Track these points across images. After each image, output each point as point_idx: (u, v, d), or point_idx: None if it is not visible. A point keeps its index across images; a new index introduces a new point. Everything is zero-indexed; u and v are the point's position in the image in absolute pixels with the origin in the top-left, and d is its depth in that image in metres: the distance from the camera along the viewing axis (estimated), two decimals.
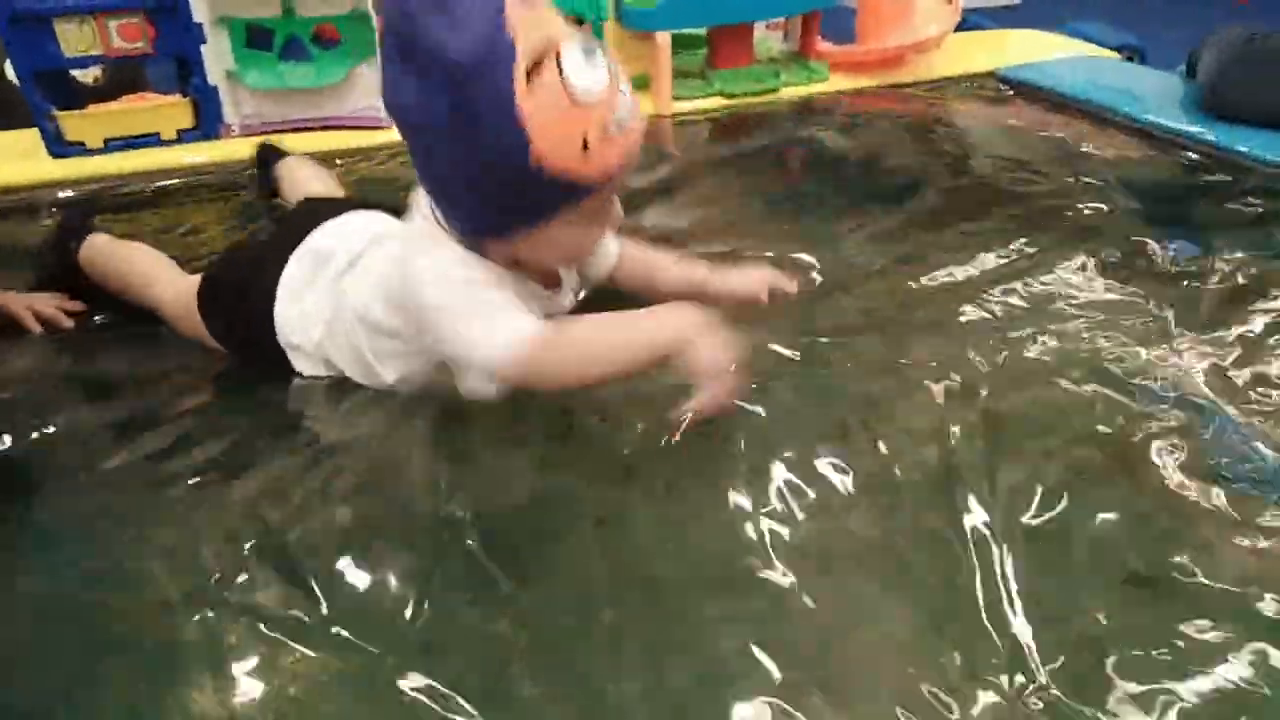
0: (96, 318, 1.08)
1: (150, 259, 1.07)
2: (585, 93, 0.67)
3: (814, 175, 1.54)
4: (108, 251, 1.08)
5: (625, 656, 0.63)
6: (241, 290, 0.93)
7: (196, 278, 0.99)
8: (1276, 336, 0.99)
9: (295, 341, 0.91)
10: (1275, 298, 1.06)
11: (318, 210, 1.00)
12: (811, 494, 0.76)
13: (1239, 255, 1.15)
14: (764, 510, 0.74)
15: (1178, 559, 0.70)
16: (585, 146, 0.69)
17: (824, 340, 0.97)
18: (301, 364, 0.92)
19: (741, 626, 0.64)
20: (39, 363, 1.00)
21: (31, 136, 1.51)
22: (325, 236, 0.94)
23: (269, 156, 1.35)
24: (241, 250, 1.08)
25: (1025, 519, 0.74)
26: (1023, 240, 1.20)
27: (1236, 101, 1.56)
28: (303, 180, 1.26)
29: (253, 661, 0.63)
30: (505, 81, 0.66)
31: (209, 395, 0.95)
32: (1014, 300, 1.06)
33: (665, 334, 0.75)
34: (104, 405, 0.93)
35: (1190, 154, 1.51)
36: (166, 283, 1.02)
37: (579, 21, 1.62)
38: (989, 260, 1.15)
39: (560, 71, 0.66)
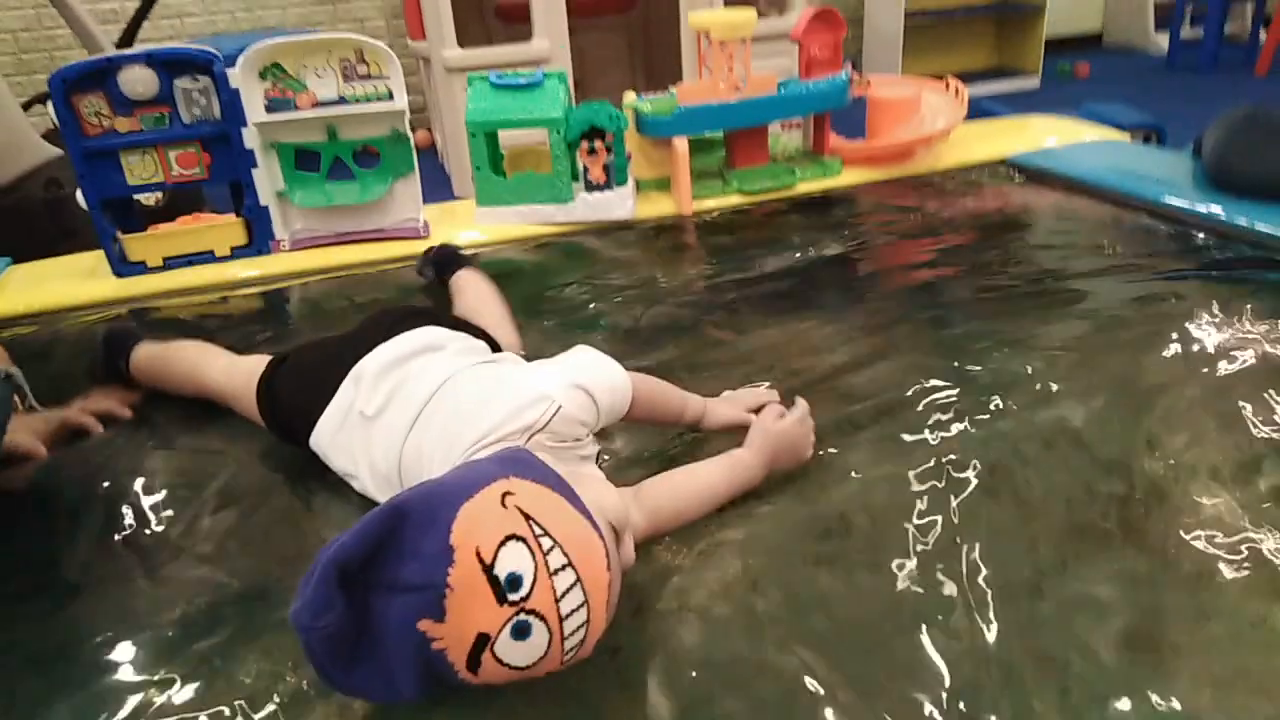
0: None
1: (197, 350, 1.18)
2: (525, 666, 0.67)
3: (816, 268, 1.58)
4: (157, 356, 1.19)
5: None
6: (293, 395, 1.03)
7: (255, 360, 1.08)
8: None
9: (331, 461, 0.99)
10: None
11: (371, 333, 1.05)
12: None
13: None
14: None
15: None
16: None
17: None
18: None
19: None
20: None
21: (96, 257, 1.64)
22: (369, 383, 0.98)
23: (449, 256, 1.50)
24: (304, 353, 1.12)
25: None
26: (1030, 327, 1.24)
27: (1239, 174, 1.60)
28: (472, 305, 1.35)
29: None
30: (444, 668, 0.66)
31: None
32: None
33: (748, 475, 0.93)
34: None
35: (1206, 234, 1.54)
36: (220, 369, 1.12)
37: (600, 134, 1.71)
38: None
39: (494, 656, 0.65)
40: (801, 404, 1.00)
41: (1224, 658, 0.73)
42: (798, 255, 1.61)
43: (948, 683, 0.71)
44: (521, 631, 0.65)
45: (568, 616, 0.66)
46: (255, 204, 1.64)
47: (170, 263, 1.64)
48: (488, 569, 0.64)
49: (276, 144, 1.64)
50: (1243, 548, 0.83)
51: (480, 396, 0.91)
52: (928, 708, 0.69)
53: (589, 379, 0.91)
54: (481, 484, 0.69)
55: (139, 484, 1.03)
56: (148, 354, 1.20)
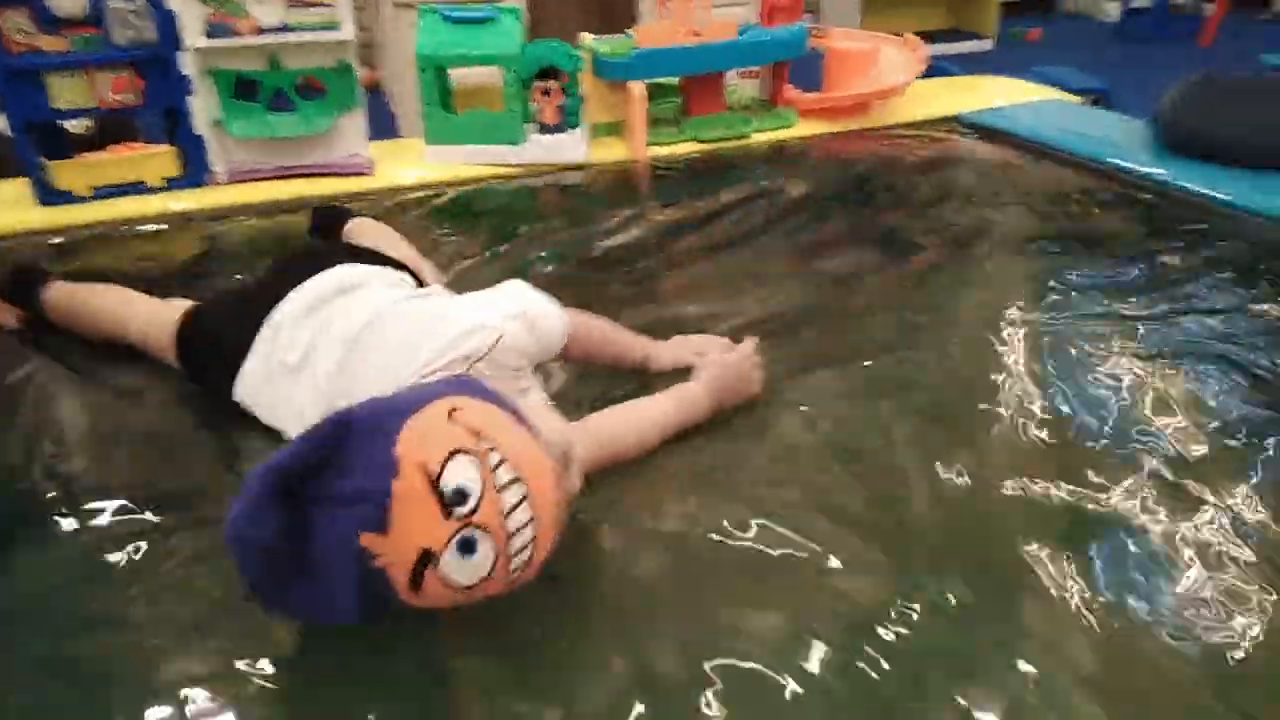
0: None
1: (118, 295, 1.12)
2: (469, 586, 0.65)
3: (775, 219, 1.58)
4: (74, 294, 1.13)
5: None
6: (212, 350, 0.99)
7: (176, 312, 1.03)
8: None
9: (256, 413, 0.96)
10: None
11: (284, 278, 1.01)
12: None
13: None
14: None
15: None
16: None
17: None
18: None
19: None
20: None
21: (23, 186, 1.55)
22: (288, 332, 0.95)
23: (328, 220, 1.40)
24: (220, 304, 1.09)
25: None
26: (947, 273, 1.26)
27: (1191, 135, 1.63)
28: (379, 243, 1.26)
29: None
30: (385, 588, 0.64)
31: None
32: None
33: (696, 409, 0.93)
34: None
35: (1144, 193, 1.58)
36: (141, 317, 1.07)
37: (555, 75, 1.67)
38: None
39: (438, 574, 0.64)
40: (749, 340, 1.00)
41: None
42: (750, 203, 1.60)
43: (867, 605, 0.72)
44: (467, 546, 0.63)
45: (515, 533, 0.65)
46: (190, 132, 1.57)
47: (100, 192, 1.57)
48: (433, 482, 0.62)
49: (215, 71, 1.57)
50: None
51: (415, 329, 0.89)
52: (845, 629, 0.70)
53: (527, 309, 0.90)
54: (428, 399, 0.68)
55: (60, 421, 0.99)
56: (65, 291, 1.14)
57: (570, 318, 0.95)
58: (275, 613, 0.67)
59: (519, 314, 0.89)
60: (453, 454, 0.63)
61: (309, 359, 0.92)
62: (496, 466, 0.65)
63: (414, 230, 1.49)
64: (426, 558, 0.63)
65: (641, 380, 1.03)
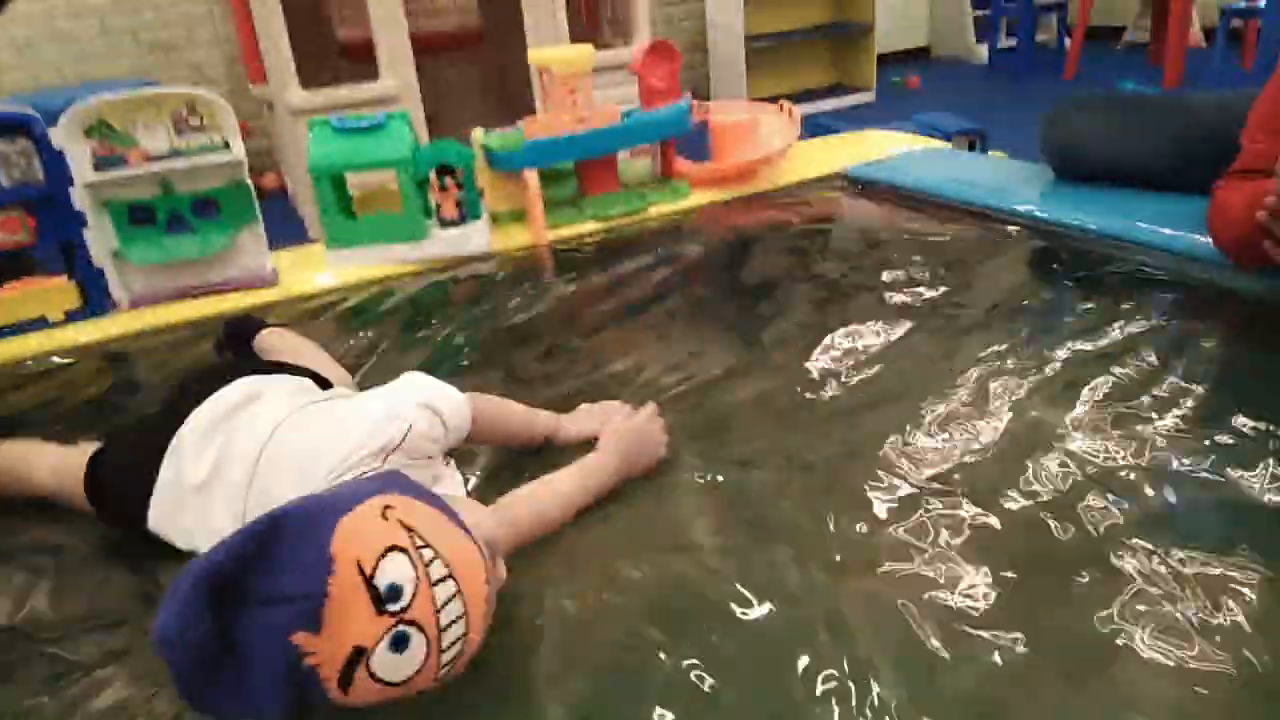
0: None
1: (22, 450, 1.08)
2: (399, 682, 0.67)
3: (675, 285, 1.64)
4: None
5: None
6: (119, 485, 0.98)
7: (82, 457, 1.02)
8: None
9: (171, 540, 0.95)
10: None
11: (183, 402, 1.00)
12: None
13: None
14: None
15: None
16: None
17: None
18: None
19: None
20: None
21: None
22: (192, 453, 0.94)
23: (238, 332, 1.37)
24: (123, 439, 1.07)
25: None
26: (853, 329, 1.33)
27: (1074, 153, 1.76)
28: (288, 351, 1.27)
29: None
30: (313, 686, 0.65)
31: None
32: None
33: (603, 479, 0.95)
34: None
35: (1017, 228, 1.68)
36: (49, 469, 1.04)
37: (450, 171, 1.73)
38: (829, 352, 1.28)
39: (369, 671, 0.65)
40: (650, 405, 1.04)
41: None
42: (650, 273, 1.67)
43: (805, 662, 0.75)
44: (400, 643, 0.64)
45: (446, 628, 0.67)
46: (87, 265, 1.58)
47: (0, 332, 1.55)
48: (368, 579, 0.64)
49: (109, 202, 1.58)
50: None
51: (324, 433, 0.90)
52: (793, 687, 0.73)
53: (432, 397, 0.93)
54: (361, 498, 0.69)
55: None
56: None
57: (472, 400, 0.98)
58: (203, 714, 0.67)
59: (425, 402, 0.91)
60: (387, 550, 0.65)
61: (217, 474, 0.92)
62: (430, 563, 0.66)
63: (326, 332, 1.52)
64: (358, 655, 0.64)
65: (549, 452, 1.06)
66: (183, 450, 0.95)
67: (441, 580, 0.67)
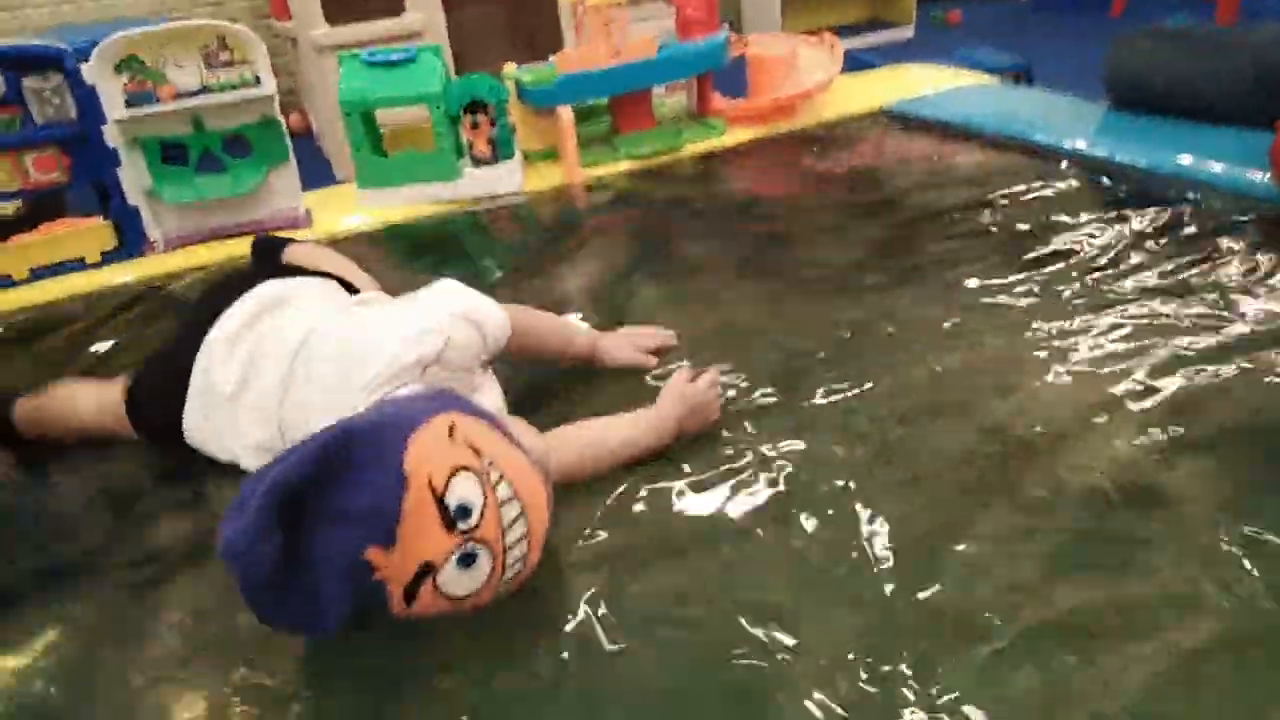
0: None
1: (67, 393, 1.09)
2: (462, 596, 0.68)
3: (709, 226, 1.61)
4: (35, 409, 1.08)
5: None
6: (155, 403, 0.99)
7: (120, 384, 1.03)
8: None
9: (211, 452, 0.95)
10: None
11: (207, 308, 1.00)
12: None
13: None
14: None
15: None
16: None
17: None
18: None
19: None
20: None
21: None
22: (221, 365, 0.94)
23: (268, 249, 1.36)
24: (154, 358, 1.09)
25: None
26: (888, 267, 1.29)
27: (1139, 84, 1.71)
28: (312, 259, 1.26)
29: None
30: (381, 599, 0.67)
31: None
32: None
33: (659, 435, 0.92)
34: None
35: (1065, 164, 1.62)
36: (93, 406, 1.05)
37: (482, 108, 1.69)
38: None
39: (435, 586, 0.66)
40: (713, 370, 1.02)
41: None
42: (684, 216, 1.63)
43: (859, 639, 0.73)
44: (467, 560, 0.66)
45: (511, 547, 0.68)
46: (123, 204, 1.57)
47: (38, 273, 1.56)
48: (439, 498, 0.65)
49: (140, 139, 1.57)
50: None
51: (359, 340, 0.88)
52: (837, 660, 0.71)
53: (467, 306, 0.91)
54: (427, 415, 0.69)
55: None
56: (26, 410, 1.09)
57: (510, 312, 0.96)
58: (267, 624, 0.68)
59: (461, 313, 0.90)
60: (456, 470, 0.66)
61: (246, 384, 0.92)
62: (496, 483, 0.68)
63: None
64: (427, 570, 0.65)
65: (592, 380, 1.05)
66: (212, 359, 0.95)
67: (508, 500, 0.68)
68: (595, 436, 0.92)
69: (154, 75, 1.53)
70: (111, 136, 1.52)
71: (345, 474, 0.64)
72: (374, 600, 0.65)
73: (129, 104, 1.52)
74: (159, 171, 1.59)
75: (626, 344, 1.08)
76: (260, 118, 1.60)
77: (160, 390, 0.98)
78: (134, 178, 1.57)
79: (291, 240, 1.39)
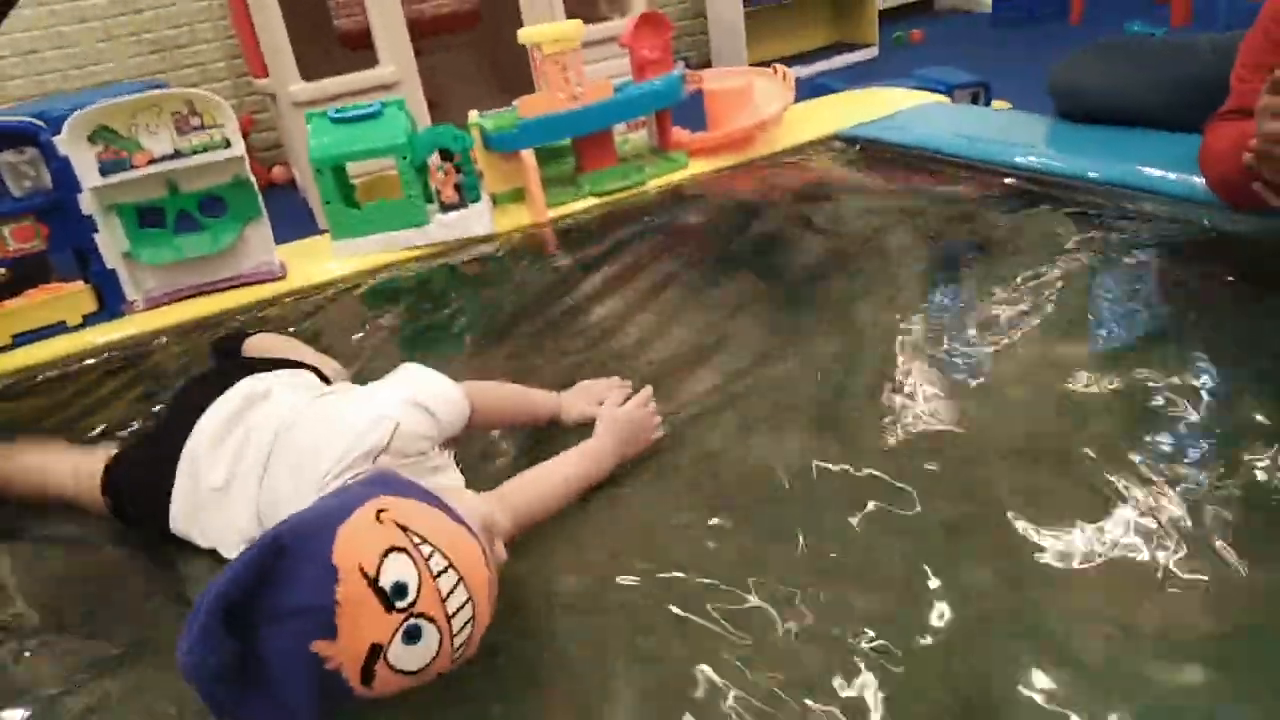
0: None
1: (40, 453, 1.12)
2: (417, 670, 0.70)
3: (675, 258, 1.66)
4: (3, 459, 1.12)
5: None
6: (137, 487, 1.02)
7: (99, 461, 1.06)
8: None
9: (193, 539, 0.99)
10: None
11: (189, 406, 1.04)
12: None
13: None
14: None
15: None
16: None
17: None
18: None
19: None
20: None
21: None
22: (207, 458, 0.98)
23: (228, 346, 1.37)
24: (138, 447, 1.12)
25: None
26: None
27: (1080, 98, 1.77)
28: (279, 350, 1.29)
29: None
30: (339, 686, 0.68)
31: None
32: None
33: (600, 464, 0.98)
34: None
35: (1016, 182, 1.68)
36: (67, 472, 1.08)
37: (449, 155, 1.75)
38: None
39: (388, 664, 0.69)
40: (645, 390, 1.07)
41: None
42: (650, 248, 1.68)
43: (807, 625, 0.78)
44: (412, 636, 0.68)
45: (454, 614, 0.71)
46: (101, 268, 1.62)
47: (20, 339, 1.60)
48: (373, 582, 0.67)
49: (116, 205, 1.62)
50: None
51: (319, 431, 0.93)
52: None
53: (421, 393, 0.95)
54: (353, 505, 0.73)
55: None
56: None
57: (468, 390, 1.00)
58: None
59: (413, 400, 0.94)
60: (387, 552, 0.69)
61: (235, 475, 0.96)
62: (429, 557, 0.70)
63: (335, 319, 1.56)
64: (375, 652, 0.68)
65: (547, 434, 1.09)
66: (197, 457, 0.98)
67: (443, 571, 0.70)
68: (543, 482, 0.96)
69: (127, 144, 1.59)
70: (87, 204, 1.58)
71: (281, 575, 0.67)
72: (337, 687, 0.68)
73: (103, 172, 1.58)
74: (137, 235, 1.64)
75: (581, 400, 1.12)
76: (232, 178, 1.66)
77: (144, 477, 1.02)
78: (111, 242, 1.62)
79: (247, 334, 1.41)
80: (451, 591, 0.70)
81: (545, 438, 1.10)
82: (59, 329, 1.62)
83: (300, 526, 0.71)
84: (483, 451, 1.09)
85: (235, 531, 0.96)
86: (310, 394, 1.05)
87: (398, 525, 0.71)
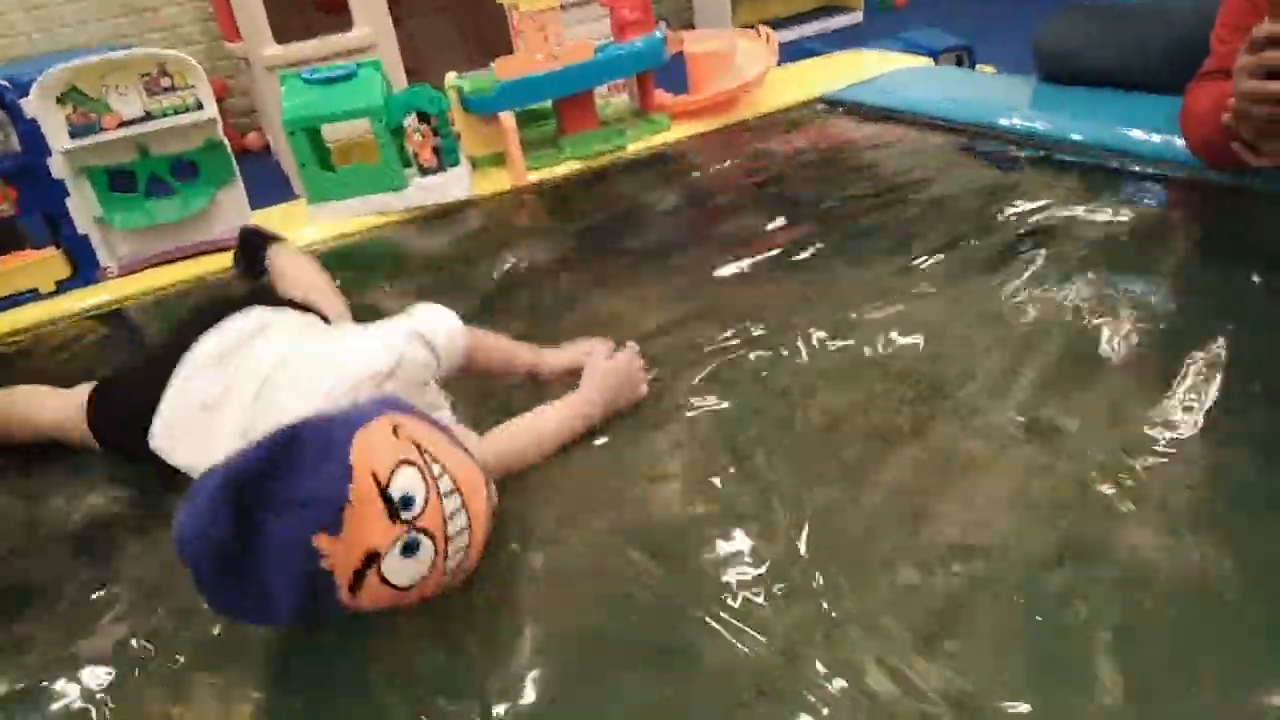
0: None
1: (25, 394, 1.15)
2: (406, 586, 0.71)
3: (658, 222, 1.65)
4: None
5: None
6: (124, 405, 1.03)
7: (83, 393, 1.07)
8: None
9: (174, 460, 0.99)
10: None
11: (192, 327, 1.05)
12: None
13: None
14: None
15: None
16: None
17: None
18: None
19: None
20: None
21: None
22: (204, 375, 0.99)
23: (255, 240, 1.46)
24: (126, 370, 1.14)
25: None
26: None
27: (1065, 61, 1.77)
28: (293, 281, 1.34)
29: None
30: (329, 589, 0.69)
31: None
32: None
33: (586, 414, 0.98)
34: None
35: (1001, 143, 1.67)
36: (52, 406, 1.11)
37: (425, 118, 1.72)
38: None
39: (380, 575, 0.69)
40: (631, 345, 1.07)
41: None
42: (631, 213, 1.67)
43: (766, 579, 0.78)
44: (411, 549, 0.70)
45: (453, 537, 0.73)
46: (73, 233, 1.59)
47: None
48: (383, 489, 0.69)
49: (87, 168, 1.59)
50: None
51: (322, 361, 0.94)
52: (746, 596, 0.76)
53: (427, 327, 0.96)
54: (374, 414, 0.74)
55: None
56: None
57: (469, 331, 1.01)
58: (220, 612, 0.72)
59: (418, 333, 0.95)
60: (400, 464, 0.70)
61: (227, 397, 0.96)
62: (438, 476, 0.72)
63: None
64: (371, 559, 0.69)
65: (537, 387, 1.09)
66: (193, 370, 0.99)
67: (449, 493, 0.72)
68: (530, 430, 0.97)
69: (97, 105, 1.55)
70: (57, 167, 1.54)
71: (294, 465, 0.68)
72: (322, 590, 0.68)
73: (73, 135, 1.54)
74: (108, 199, 1.61)
75: (566, 352, 1.12)
76: (204, 141, 1.63)
77: (131, 394, 1.02)
78: (83, 206, 1.59)
79: (278, 238, 1.48)
80: (454, 514, 0.72)
81: (535, 389, 1.10)
82: (33, 295, 1.60)
83: (319, 423, 0.72)
84: (474, 399, 1.09)
85: (219, 452, 0.94)
86: (309, 329, 1.08)
87: (413, 441, 0.73)
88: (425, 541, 0.71)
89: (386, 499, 0.69)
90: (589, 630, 0.77)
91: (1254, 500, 0.78)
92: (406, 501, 0.69)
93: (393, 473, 0.70)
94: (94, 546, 0.98)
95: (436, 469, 0.72)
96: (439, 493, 0.71)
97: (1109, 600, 0.70)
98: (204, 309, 1.10)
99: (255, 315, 1.06)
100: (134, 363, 1.12)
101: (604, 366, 1.03)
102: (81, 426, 1.06)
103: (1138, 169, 1.46)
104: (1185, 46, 1.57)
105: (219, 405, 0.96)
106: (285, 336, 1.03)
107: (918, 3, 4.69)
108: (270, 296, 1.17)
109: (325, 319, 1.15)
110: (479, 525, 0.76)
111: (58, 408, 1.10)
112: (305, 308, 1.15)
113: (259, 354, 0.98)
